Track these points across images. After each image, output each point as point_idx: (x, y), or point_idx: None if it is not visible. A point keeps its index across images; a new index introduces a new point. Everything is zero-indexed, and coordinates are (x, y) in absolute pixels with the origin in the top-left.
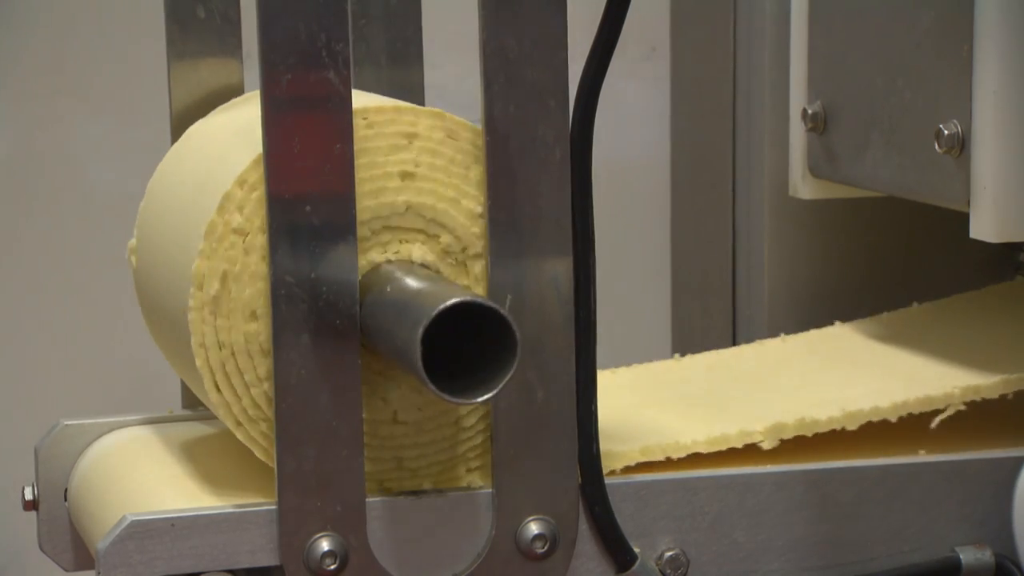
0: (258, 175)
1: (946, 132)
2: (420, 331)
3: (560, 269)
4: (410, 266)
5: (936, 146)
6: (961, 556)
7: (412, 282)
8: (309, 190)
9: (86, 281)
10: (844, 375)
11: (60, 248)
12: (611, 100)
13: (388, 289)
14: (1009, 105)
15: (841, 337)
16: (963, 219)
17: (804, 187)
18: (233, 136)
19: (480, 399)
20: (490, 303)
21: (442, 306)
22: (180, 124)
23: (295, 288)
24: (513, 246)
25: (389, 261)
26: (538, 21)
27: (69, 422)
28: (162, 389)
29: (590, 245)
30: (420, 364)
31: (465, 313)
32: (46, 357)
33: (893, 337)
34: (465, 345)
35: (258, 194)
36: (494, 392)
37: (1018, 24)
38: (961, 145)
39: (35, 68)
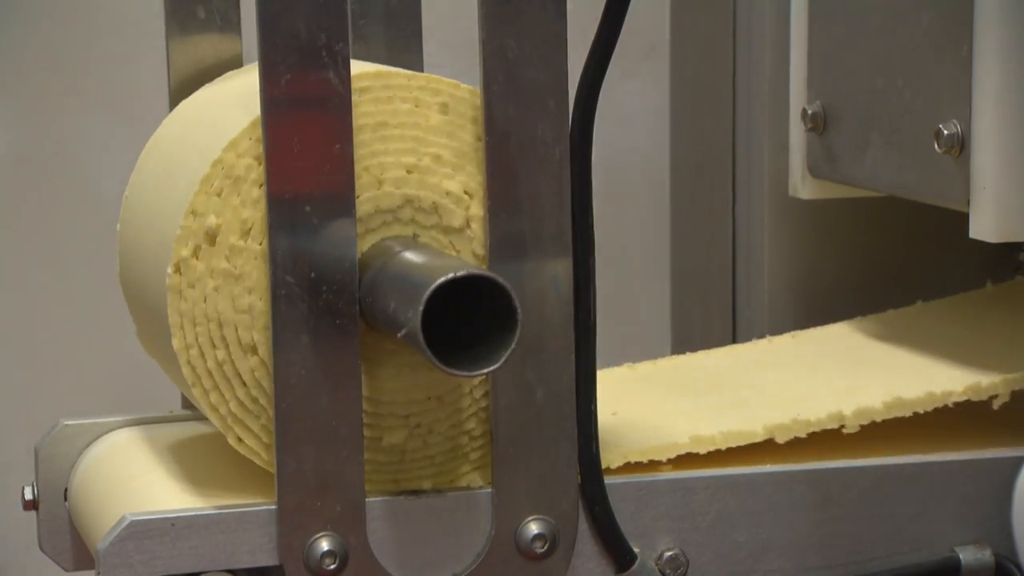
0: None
1: (946, 132)
2: (423, 301)
3: (560, 269)
4: (410, 240)
5: (936, 146)
6: (961, 556)
7: (413, 256)
8: (309, 190)
9: (87, 281)
10: (844, 374)
11: (61, 248)
12: (611, 100)
13: (389, 262)
14: (1009, 105)
15: (842, 336)
16: (963, 219)
17: (804, 187)
18: (223, 105)
19: (481, 372)
20: (492, 275)
21: (445, 278)
22: (179, 99)
23: (295, 288)
24: (513, 246)
25: (390, 236)
26: (538, 21)
27: (69, 422)
28: (162, 389)
29: (590, 245)
30: (421, 335)
31: (466, 288)
32: (46, 357)
33: (894, 336)
34: (465, 325)
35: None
36: (496, 365)
37: (1018, 24)
38: (961, 145)
39: (36, 68)
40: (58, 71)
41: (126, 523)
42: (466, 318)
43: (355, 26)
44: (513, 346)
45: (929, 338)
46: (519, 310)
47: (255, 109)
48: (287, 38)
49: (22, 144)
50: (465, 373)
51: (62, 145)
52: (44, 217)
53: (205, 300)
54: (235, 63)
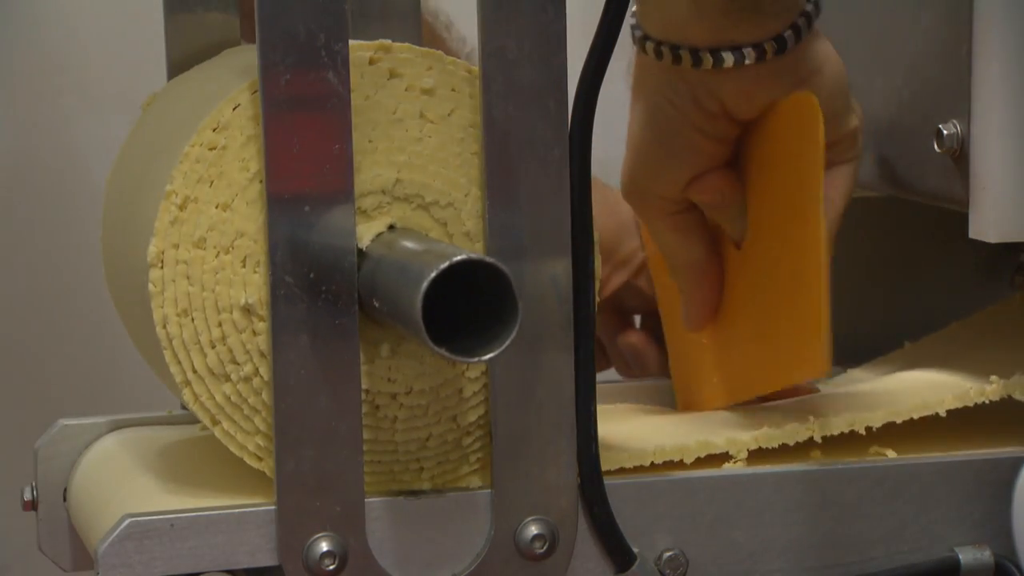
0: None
1: (946, 132)
2: (423, 287)
3: (559, 269)
4: (410, 231)
5: (936, 146)
6: (960, 556)
7: (413, 244)
8: (308, 190)
9: (87, 281)
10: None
11: (61, 247)
12: (611, 100)
13: (388, 252)
14: (1009, 105)
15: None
16: (963, 219)
17: None
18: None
19: (482, 358)
20: (491, 260)
21: (447, 263)
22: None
23: (294, 288)
24: (512, 246)
25: (391, 228)
26: (538, 22)
27: (69, 422)
28: (162, 389)
29: (590, 245)
30: (421, 321)
31: (466, 278)
32: (46, 357)
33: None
34: (465, 321)
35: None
36: (496, 352)
37: (1018, 24)
38: (961, 145)
39: (37, 68)
40: (60, 71)
41: (125, 523)
42: (466, 314)
43: (354, 26)
44: (514, 334)
45: (931, 365)
46: (518, 297)
47: (245, 78)
48: (286, 38)
49: (23, 144)
50: (465, 359)
51: (62, 145)
52: (44, 216)
53: (189, 292)
54: (234, 44)
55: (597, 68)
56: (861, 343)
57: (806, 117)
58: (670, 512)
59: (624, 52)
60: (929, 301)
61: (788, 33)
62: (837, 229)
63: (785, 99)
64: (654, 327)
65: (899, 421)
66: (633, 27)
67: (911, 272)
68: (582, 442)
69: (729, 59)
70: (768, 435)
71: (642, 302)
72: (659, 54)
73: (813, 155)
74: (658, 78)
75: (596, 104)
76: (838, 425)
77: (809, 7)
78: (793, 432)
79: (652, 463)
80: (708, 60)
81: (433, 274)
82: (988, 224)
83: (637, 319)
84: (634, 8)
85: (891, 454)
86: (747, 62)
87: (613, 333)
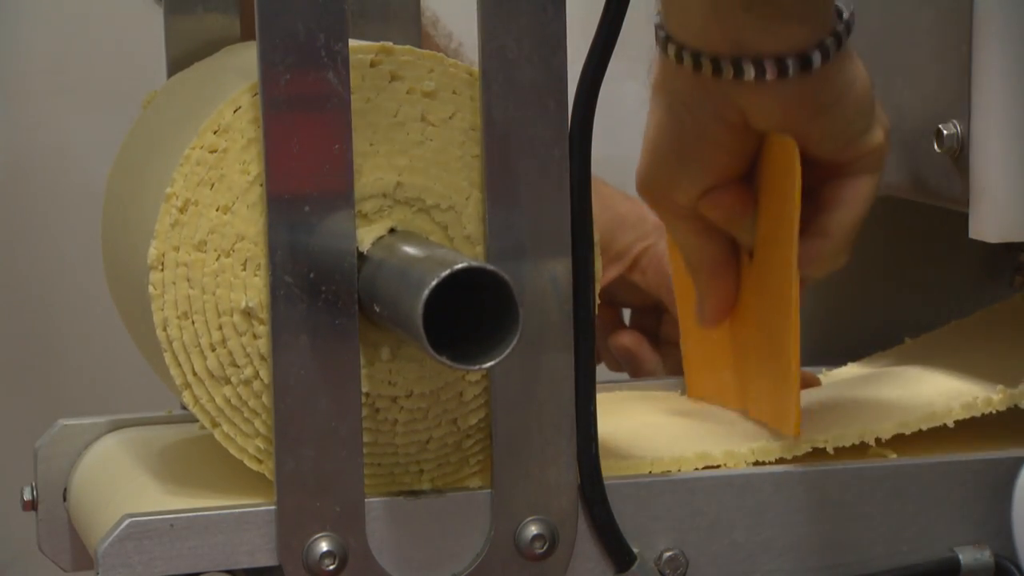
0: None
1: (946, 132)
2: (424, 296)
3: (559, 269)
4: (411, 235)
5: (936, 146)
6: (960, 556)
7: (414, 249)
8: (308, 190)
9: (86, 281)
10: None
11: (60, 248)
12: (611, 100)
13: (389, 256)
14: (1009, 105)
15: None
16: (963, 219)
17: None
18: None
19: (482, 366)
20: (495, 269)
21: (448, 271)
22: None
23: (294, 288)
24: (512, 246)
25: (391, 231)
26: (537, 21)
27: (69, 422)
28: (162, 389)
29: (589, 245)
30: (422, 329)
31: (468, 283)
32: (46, 357)
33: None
34: (464, 323)
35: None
36: (497, 360)
37: (1018, 24)
38: (961, 145)
39: (35, 68)
40: (58, 71)
41: (125, 523)
42: (466, 316)
43: (354, 26)
44: (515, 341)
45: (931, 366)
46: (520, 304)
47: (245, 79)
48: (286, 38)
49: (22, 144)
50: (466, 367)
51: (62, 145)
52: (43, 217)
53: (189, 295)
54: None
55: (597, 68)
56: (861, 342)
57: (786, 162)
58: (670, 512)
59: (624, 52)
60: (929, 301)
61: (815, 53)
62: (853, 237)
63: (769, 136)
64: (646, 324)
65: (908, 432)
66: (657, 27)
67: (911, 272)
68: (582, 442)
69: (750, 71)
70: (766, 449)
71: (635, 297)
72: (680, 59)
73: (789, 204)
74: (679, 82)
75: (596, 104)
76: (848, 438)
77: (840, 27)
78: (790, 446)
79: (650, 472)
80: (729, 71)
81: (434, 282)
82: (988, 224)
83: (626, 314)
84: (659, 8)
85: (892, 455)
86: (768, 77)
87: (604, 329)
